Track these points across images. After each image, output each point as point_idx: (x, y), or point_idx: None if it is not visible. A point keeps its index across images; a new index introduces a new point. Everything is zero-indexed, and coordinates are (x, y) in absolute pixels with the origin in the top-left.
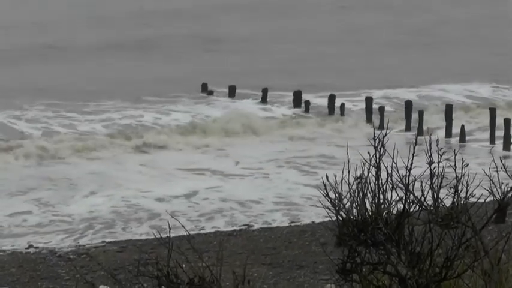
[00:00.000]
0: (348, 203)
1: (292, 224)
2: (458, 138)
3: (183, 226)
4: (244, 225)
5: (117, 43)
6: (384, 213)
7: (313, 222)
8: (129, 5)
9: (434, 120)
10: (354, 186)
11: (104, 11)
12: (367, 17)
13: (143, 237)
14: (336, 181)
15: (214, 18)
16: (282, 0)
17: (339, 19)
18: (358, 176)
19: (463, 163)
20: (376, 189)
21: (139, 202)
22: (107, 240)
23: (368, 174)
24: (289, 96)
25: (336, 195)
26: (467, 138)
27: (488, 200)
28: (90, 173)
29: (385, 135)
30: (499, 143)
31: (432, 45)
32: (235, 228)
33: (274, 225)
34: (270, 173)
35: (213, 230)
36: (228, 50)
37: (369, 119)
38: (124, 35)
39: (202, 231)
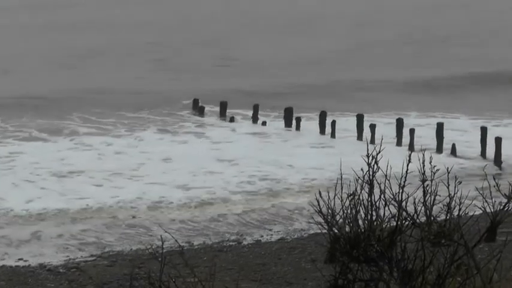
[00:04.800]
0: (341, 220)
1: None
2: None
3: (176, 241)
4: (234, 240)
5: None
6: (377, 230)
7: (303, 237)
8: None
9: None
10: (347, 203)
11: None
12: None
13: (133, 251)
14: (328, 197)
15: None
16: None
17: None
18: (351, 192)
19: (456, 181)
20: (369, 206)
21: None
22: (98, 253)
23: (361, 191)
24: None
25: (329, 211)
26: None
27: (480, 217)
28: None
29: (379, 152)
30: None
31: None
32: (225, 243)
33: (263, 241)
34: None
35: (203, 245)
36: None
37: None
38: None
39: (191, 247)
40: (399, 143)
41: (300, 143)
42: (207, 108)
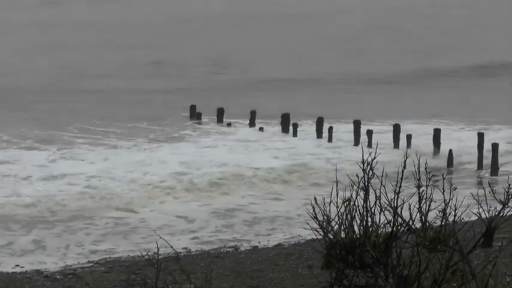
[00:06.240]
0: (336, 226)
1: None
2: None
3: (171, 247)
4: (231, 247)
5: None
6: (373, 236)
7: (299, 243)
8: None
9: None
10: (343, 209)
11: None
12: None
13: (130, 257)
14: (324, 203)
15: None
16: None
17: None
18: (346, 198)
19: (451, 187)
20: (365, 212)
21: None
22: (95, 260)
23: (356, 197)
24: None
25: (324, 217)
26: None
27: (476, 223)
28: None
29: (374, 158)
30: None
31: None
32: (222, 250)
33: (260, 247)
34: None
35: (200, 251)
36: None
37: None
38: None
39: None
40: (396, 146)
41: (283, 147)
42: (204, 115)
